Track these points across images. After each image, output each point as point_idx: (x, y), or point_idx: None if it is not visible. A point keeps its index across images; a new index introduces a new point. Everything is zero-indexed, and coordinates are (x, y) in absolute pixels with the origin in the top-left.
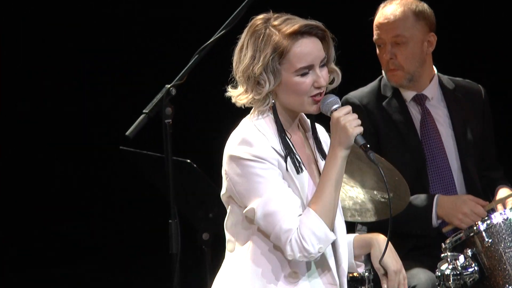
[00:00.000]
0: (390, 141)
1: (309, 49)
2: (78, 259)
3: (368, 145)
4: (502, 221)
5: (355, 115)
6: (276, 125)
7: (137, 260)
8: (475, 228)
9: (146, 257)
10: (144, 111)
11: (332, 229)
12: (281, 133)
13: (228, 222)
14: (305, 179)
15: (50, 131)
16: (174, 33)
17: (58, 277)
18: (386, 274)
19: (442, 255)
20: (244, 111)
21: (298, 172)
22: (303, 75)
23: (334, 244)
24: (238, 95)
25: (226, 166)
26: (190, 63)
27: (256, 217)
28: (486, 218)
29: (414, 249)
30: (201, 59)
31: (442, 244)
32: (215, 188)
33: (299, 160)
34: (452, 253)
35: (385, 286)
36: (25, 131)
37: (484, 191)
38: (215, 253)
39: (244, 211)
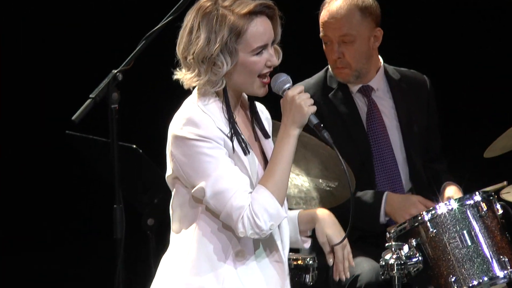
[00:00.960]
0: (335, 133)
1: (264, 28)
2: (25, 249)
3: (322, 125)
4: (447, 212)
5: (308, 94)
6: (226, 107)
7: (81, 245)
8: (419, 218)
9: (90, 242)
10: (90, 96)
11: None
12: (230, 114)
13: (173, 203)
14: (251, 159)
15: None
16: (122, 17)
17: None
18: (331, 250)
19: (386, 244)
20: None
21: (245, 154)
22: (258, 54)
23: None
24: (190, 77)
25: (171, 147)
26: (137, 48)
27: (205, 196)
28: (431, 208)
29: (359, 239)
30: (148, 44)
31: (387, 233)
32: (161, 173)
33: (245, 141)
34: (396, 243)
35: (331, 261)
36: None
37: (428, 182)
38: (160, 238)
39: (192, 191)
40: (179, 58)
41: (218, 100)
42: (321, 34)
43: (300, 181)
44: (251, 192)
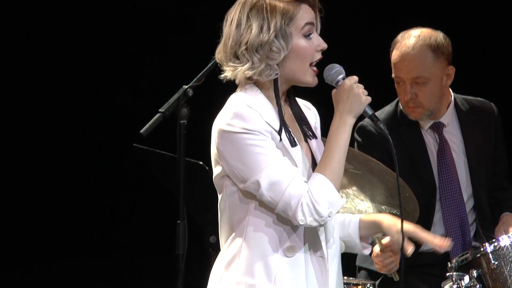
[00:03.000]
0: (404, 170)
1: (309, 12)
2: (85, 257)
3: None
4: (509, 244)
5: (363, 86)
6: (276, 97)
7: (143, 259)
8: (482, 249)
9: (153, 257)
10: (160, 110)
11: None
12: (279, 106)
13: (221, 204)
14: (299, 152)
15: (65, 129)
16: (193, 31)
17: (65, 273)
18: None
19: (447, 274)
20: None
21: (292, 146)
22: (308, 36)
23: None
24: (245, 68)
25: (218, 144)
26: (208, 65)
27: (261, 189)
28: (494, 240)
29: (419, 266)
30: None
31: (448, 263)
32: None
33: (292, 135)
34: (457, 273)
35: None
36: (41, 130)
37: (492, 215)
38: None
39: (243, 186)
40: (224, 56)
41: (262, 94)
42: (393, 74)
43: (364, 206)
44: (306, 181)
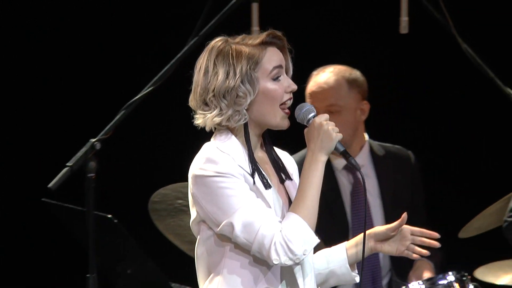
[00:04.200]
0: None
1: (277, 55)
2: None
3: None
4: None
5: (333, 123)
6: (246, 142)
7: None
8: None
9: None
10: (67, 164)
11: None
12: (250, 150)
13: (198, 249)
14: (273, 194)
15: None
16: (102, 85)
17: None
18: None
19: None
20: (173, 162)
21: (266, 188)
22: (276, 79)
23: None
24: (213, 115)
25: (193, 189)
26: (116, 117)
27: (234, 231)
28: (404, 287)
29: None
30: (128, 114)
31: None
32: (136, 244)
33: (266, 177)
34: None
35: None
36: None
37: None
38: None
39: (218, 230)
40: (195, 104)
41: (236, 139)
42: None
43: None
44: (280, 221)
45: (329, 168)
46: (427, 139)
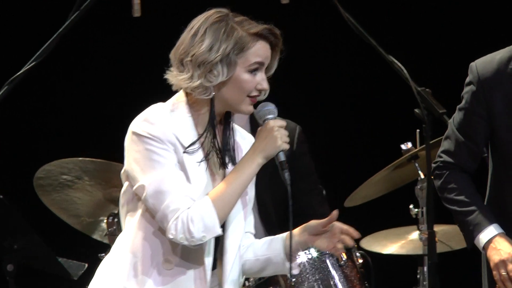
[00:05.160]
0: None
1: (265, 51)
2: None
3: (287, 165)
4: (306, 261)
5: (287, 132)
6: (210, 118)
7: None
8: None
9: None
10: None
11: (222, 225)
12: (211, 125)
13: (121, 199)
14: (202, 173)
15: None
16: None
17: None
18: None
19: None
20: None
21: (195, 164)
22: (252, 72)
23: (218, 244)
24: (182, 78)
25: (126, 141)
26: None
27: (145, 194)
28: None
29: None
30: (11, 90)
31: (246, 282)
32: (22, 220)
33: (203, 155)
34: None
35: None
36: None
37: (278, 223)
38: (19, 284)
39: (133, 188)
40: (173, 59)
41: (187, 110)
42: None
43: None
44: (193, 200)
45: None
46: (311, 111)
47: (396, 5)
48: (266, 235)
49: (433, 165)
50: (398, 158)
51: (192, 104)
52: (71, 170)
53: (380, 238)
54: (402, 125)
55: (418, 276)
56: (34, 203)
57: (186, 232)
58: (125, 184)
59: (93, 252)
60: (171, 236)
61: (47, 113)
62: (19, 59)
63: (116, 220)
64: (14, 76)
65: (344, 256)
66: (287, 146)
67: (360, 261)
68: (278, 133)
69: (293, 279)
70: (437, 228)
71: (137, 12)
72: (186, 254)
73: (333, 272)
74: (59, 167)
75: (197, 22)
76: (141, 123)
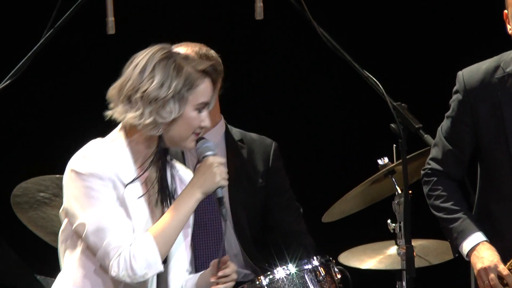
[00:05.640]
0: None
1: (210, 89)
2: None
3: (224, 201)
4: (284, 276)
5: (226, 169)
6: (155, 154)
7: None
8: (257, 282)
9: None
10: None
11: (164, 261)
12: (152, 162)
13: (60, 238)
14: (143, 210)
15: None
16: None
17: None
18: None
19: None
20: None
21: (136, 200)
22: (199, 111)
23: (159, 281)
24: (133, 116)
25: (64, 178)
26: None
27: (86, 231)
28: (269, 273)
29: None
30: None
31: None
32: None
33: (142, 191)
34: None
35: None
36: None
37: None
38: None
39: (73, 227)
40: (117, 95)
41: (127, 146)
42: None
43: None
44: (134, 237)
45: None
46: (288, 126)
47: (370, 19)
48: (242, 251)
49: (422, 172)
50: (374, 173)
51: (132, 140)
52: (48, 187)
53: (358, 253)
54: (379, 140)
55: None
56: (11, 221)
57: (129, 269)
58: (64, 222)
59: None
60: (113, 274)
61: (23, 129)
62: None
63: None
64: None
65: (323, 272)
66: (225, 183)
67: (339, 276)
68: (218, 170)
69: None
70: (415, 242)
71: (259, 15)
72: None
73: (312, 287)
74: (36, 184)
75: (142, 58)
76: (80, 161)
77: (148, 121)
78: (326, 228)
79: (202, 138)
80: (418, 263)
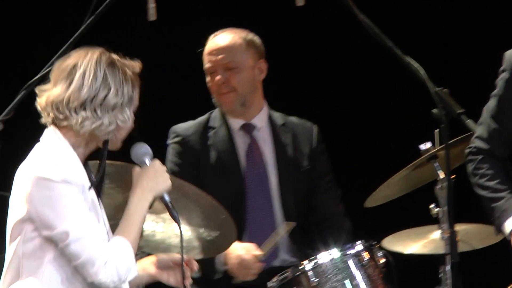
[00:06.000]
0: (211, 172)
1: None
2: None
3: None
4: (328, 261)
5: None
6: (101, 159)
7: None
8: (301, 267)
9: None
10: None
11: None
12: (101, 165)
13: (17, 249)
14: (102, 212)
15: None
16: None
17: None
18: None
19: None
20: None
21: (98, 202)
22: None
23: None
24: (92, 122)
25: (31, 188)
26: (17, 98)
27: (68, 239)
28: (313, 257)
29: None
30: (29, 94)
31: (268, 283)
32: None
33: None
34: None
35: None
36: None
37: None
38: None
39: (48, 234)
40: (69, 103)
41: (73, 150)
42: (205, 65)
43: (182, 230)
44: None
45: (226, 129)
46: (330, 112)
47: (410, 5)
48: (288, 236)
49: (467, 151)
50: (417, 158)
51: (71, 142)
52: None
53: (402, 238)
54: (421, 126)
55: (440, 276)
56: None
57: (115, 276)
58: (24, 232)
59: None
60: (101, 280)
61: None
62: (33, 66)
63: None
64: (32, 80)
65: (367, 256)
66: (170, 187)
67: (382, 260)
68: (166, 174)
69: (316, 279)
70: (458, 227)
71: (300, 1)
72: None
73: (356, 272)
74: None
75: (88, 65)
76: (50, 169)
77: (111, 128)
78: (369, 213)
79: (139, 141)
80: (462, 247)
